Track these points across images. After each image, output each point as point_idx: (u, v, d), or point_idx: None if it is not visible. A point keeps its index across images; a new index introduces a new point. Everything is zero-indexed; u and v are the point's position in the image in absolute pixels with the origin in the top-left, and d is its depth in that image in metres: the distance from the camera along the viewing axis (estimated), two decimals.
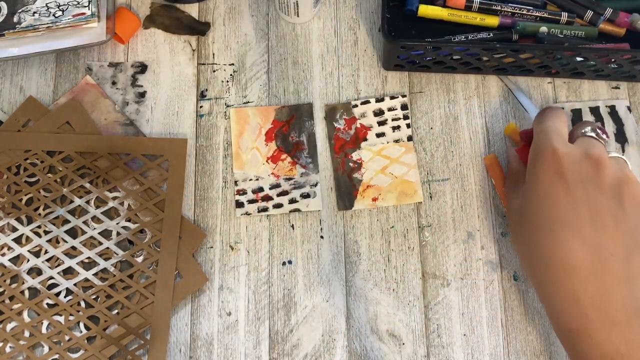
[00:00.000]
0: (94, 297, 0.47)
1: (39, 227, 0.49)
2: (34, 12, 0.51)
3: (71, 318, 0.47)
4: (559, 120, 0.45)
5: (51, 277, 0.48)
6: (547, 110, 0.46)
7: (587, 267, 0.38)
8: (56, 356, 0.46)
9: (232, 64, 0.55)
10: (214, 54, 0.55)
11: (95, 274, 0.48)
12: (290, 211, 0.50)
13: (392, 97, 0.53)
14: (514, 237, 0.46)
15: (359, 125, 0.52)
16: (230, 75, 0.54)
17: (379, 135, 0.52)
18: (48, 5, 0.51)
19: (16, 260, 0.48)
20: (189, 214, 0.50)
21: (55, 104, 0.53)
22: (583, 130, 0.44)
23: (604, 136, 0.44)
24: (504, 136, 0.52)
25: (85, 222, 0.49)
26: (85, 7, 0.51)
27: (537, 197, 0.41)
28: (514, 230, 0.45)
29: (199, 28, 0.56)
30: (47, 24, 0.50)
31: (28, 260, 0.48)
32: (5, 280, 0.48)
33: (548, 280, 0.39)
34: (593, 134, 0.44)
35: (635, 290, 0.37)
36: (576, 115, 0.53)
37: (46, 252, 0.48)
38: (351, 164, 0.51)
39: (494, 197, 0.50)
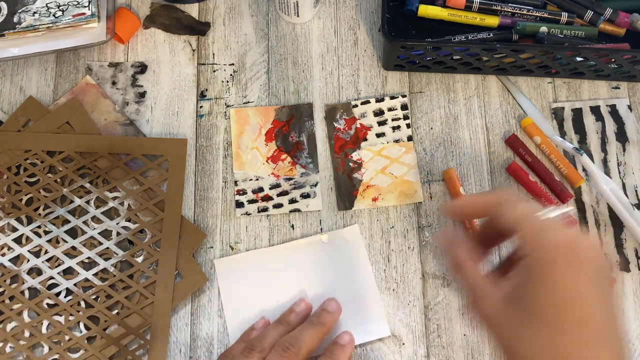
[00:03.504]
0: (94, 297, 0.47)
1: (39, 227, 0.49)
2: (34, 12, 0.51)
3: (71, 318, 0.47)
4: (526, 202, 0.40)
5: (51, 277, 0.48)
6: (507, 197, 0.40)
7: None
8: (56, 356, 0.46)
9: (232, 64, 0.55)
10: (214, 54, 0.55)
11: (95, 274, 0.48)
12: (290, 211, 0.50)
13: (392, 97, 0.53)
14: (505, 340, 0.38)
15: (359, 125, 0.52)
16: (230, 75, 0.54)
17: (379, 135, 0.52)
18: (48, 5, 0.51)
19: (16, 260, 0.48)
20: (189, 214, 0.50)
21: (55, 104, 0.53)
22: (546, 216, 0.39)
23: (564, 215, 0.40)
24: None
25: (85, 222, 0.49)
26: (85, 7, 0.51)
27: (553, 296, 0.35)
28: (505, 332, 0.38)
29: (199, 28, 0.56)
30: (47, 24, 0.50)
31: (28, 260, 0.48)
32: (5, 280, 0.48)
33: None
34: (558, 214, 0.39)
35: None
36: (577, 114, 0.53)
37: (46, 252, 0.48)
38: (351, 164, 0.51)
39: None
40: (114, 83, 0.54)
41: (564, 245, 0.36)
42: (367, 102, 0.53)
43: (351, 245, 0.49)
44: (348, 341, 0.45)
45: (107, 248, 0.49)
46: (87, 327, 0.47)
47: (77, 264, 0.48)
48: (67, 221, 0.49)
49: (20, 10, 0.51)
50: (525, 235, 0.37)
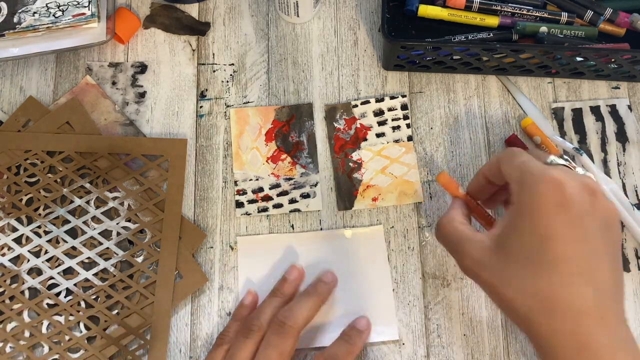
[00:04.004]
0: (94, 297, 0.47)
1: (39, 227, 0.49)
2: (34, 13, 0.51)
3: (71, 318, 0.47)
4: (527, 154, 0.40)
5: (51, 277, 0.48)
6: (508, 150, 0.41)
7: (594, 310, 0.34)
8: (56, 356, 0.46)
9: (232, 64, 0.55)
10: (214, 54, 0.55)
11: (96, 274, 0.48)
12: (290, 211, 0.50)
13: (392, 97, 0.53)
14: (492, 284, 0.37)
15: (359, 125, 0.52)
16: (230, 75, 0.54)
17: (379, 135, 0.52)
18: (48, 5, 0.51)
19: (16, 260, 0.48)
20: (189, 214, 0.50)
21: (55, 104, 0.53)
22: (550, 160, 0.39)
23: (574, 163, 0.41)
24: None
25: (85, 222, 0.49)
26: (85, 7, 0.51)
27: (534, 233, 0.35)
28: (492, 276, 0.37)
29: (199, 28, 0.56)
30: (47, 24, 0.50)
31: (28, 260, 0.48)
32: (5, 280, 0.48)
33: (551, 327, 0.35)
34: (566, 163, 0.39)
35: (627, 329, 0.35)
36: (577, 114, 0.53)
37: (46, 252, 0.48)
38: (351, 164, 0.51)
39: None
40: (114, 83, 0.54)
41: (550, 184, 0.35)
42: (367, 102, 0.53)
43: (373, 245, 0.49)
44: (365, 326, 0.45)
45: (107, 248, 0.49)
46: (87, 327, 0.47)
47: (77, 264, 0.48)
48: (67, 221, 0.49)
49: (20, 10, 0.51)
50: (516, 179, 0.37)
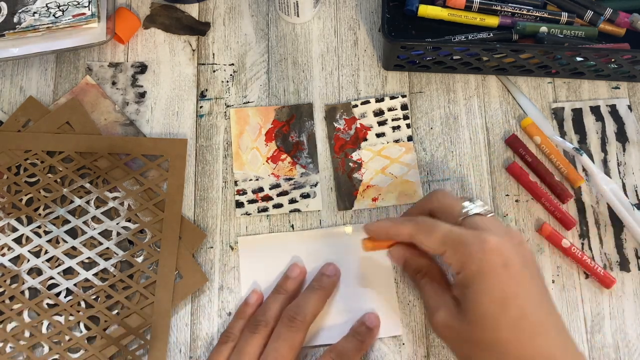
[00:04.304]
0: (94, 297, 0.47)
1: (39, 227, 0.49)
2: (34, 13, 0.51)
3: (71, 318, 0.47)
4: (438, 222, 0.41)
5: (51, 277, 0.48)
6: (419, 224, 0.41)
7: (561, 345, 0.37)
8: (56, 356, 0.46)
9: (232, 64, 0.55)
10: (214, 54, 0.55)
11: (96, 274, 0.48)
12: (290, 211, 0.50)
13: (392, 97, 0.53)
14: (460, 350, 0.40)
15: (359, 125, 0.52)
16: (230, 75, 0.54)
17: (379, 135, 0.52)
18: (48, 5, 0.51)
19: (16, 260, 0.48)
20: (189, 214, 0.50)
21: (55, 104, 0.53)
22: (465, 211, 0.41)
23: (486, 207, 0.42)
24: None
25: (85, 222, 0.49)
26: (85, 7, 0.51)
27: (493, 297, 0.37)
28: (459, 342, 0.40)
29: (199, 28, 0.56)
30: (47, 24, 0.50)
31: (28, 261, 0.48)
32: (5, 280, 0.48)
33: None
34: (480, 210, 0.41)
35: None
36: (577, 114, 0.53)
37: (46, 252, 0.48)
38: (351, 164, 0.51)
39: (494, 198, 0.50)
40: (114, 83, 0.54)
41: (491, 252, 0.38)
42: (367, 102, 0.53)
43: None
44: (375, 324, 0.46)
45: (107, 248, 0.49)
46: (87, 327, 0.47)
47: (77, 264, 0.48)
48: (67, 221, 0.49)
49: (20, 11, 0.51)
50: (450, 257, 0.39)
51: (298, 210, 0.50)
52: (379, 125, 0.52)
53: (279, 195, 0.51)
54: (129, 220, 0.49)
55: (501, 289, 0.37)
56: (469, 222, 0.40)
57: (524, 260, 0.39)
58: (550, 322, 0.38)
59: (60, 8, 0.51)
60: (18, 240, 0.49)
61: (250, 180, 0.51)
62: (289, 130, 0.52)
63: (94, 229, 0.49)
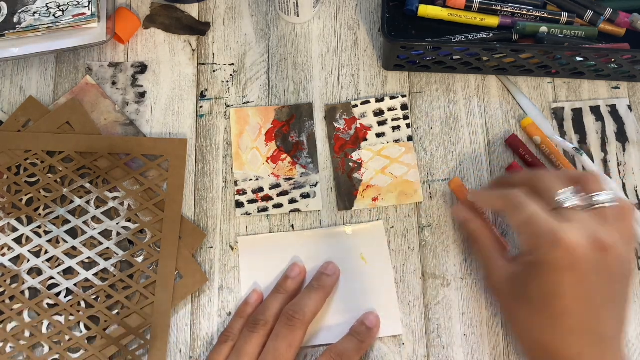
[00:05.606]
0: (94, 297, 0.47)
1: (39, 227, 0.49)
2: (34, 13, 0.51)
3: (71, 318, 0.47)
4: (533, 203, 0.40)
5: (51, 277, 0.48)
6: (513, 196, 0.42)
7: None
8: (56, 356, 0.46)
9: (232, 64, 0.55)
10: (214, 54, 0.55)
11: (96, 274, 0.48)
12: (290, 211, 0.50)
13: (392, 97, 0.53)
14: (506, 311, 0.44)
15: (359, 125, 0.52)
16: (230, 75, 0.54)
17: (379, 135, 0.52)
18: (48, 5, 0.51)
19: (16, 260, 0.48)
20: (189, 214, 0.50)
21: (55, 104, 0.53)
22: (558, 202, 0.40)
23: (586, 199, 0.40)
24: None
25: (85, 222, 0.49)
26: (85, 7, 0.51)
27: (543, 288, 0.39)
28: (506, 305, 0.43)
29: (199, 28, 0.56)
30: (47, 24, 0.50)
31: (28, 260, 0.48)
32: (5, 280, 0.48)
33: None
34: (577, 200, 0.40)
35: None
36: (577, 114, 0.53)
37: (46, 252, 0.49)
38: (351, 164, 0.51)
39: None
40: (114, 83, 0.54)
41: (562, 250, 0.38)
42: (367, 102, 0.53)
43: (374, 240, 0.49)
44: (375, 324, 0.46)
45: (107, 248, 0.49)
46: (87, 327, 0.47)
47: (77, 264, 0.48)
48: (67, 221, 0.49)
49: (20, 11, 0.51)
50: (525, 240, 0.41)
51: (298, 210, 0.50)
52: (379, 125, 0.52)
53: (279, 195, 0.51)
54: (129, 220, 0.49)
55: (556, 284, 0.38)
56: (560, 213, 0.39)
57: (597, 269, 0.38)
58: (592, 328, 0.38)
59: (60, 8, 0.51)
60: (18, 240, 0.49)
61: (250, 180, 0.51)
62: (289, 130, 0.52)
63: (94, 229, 0.49)
